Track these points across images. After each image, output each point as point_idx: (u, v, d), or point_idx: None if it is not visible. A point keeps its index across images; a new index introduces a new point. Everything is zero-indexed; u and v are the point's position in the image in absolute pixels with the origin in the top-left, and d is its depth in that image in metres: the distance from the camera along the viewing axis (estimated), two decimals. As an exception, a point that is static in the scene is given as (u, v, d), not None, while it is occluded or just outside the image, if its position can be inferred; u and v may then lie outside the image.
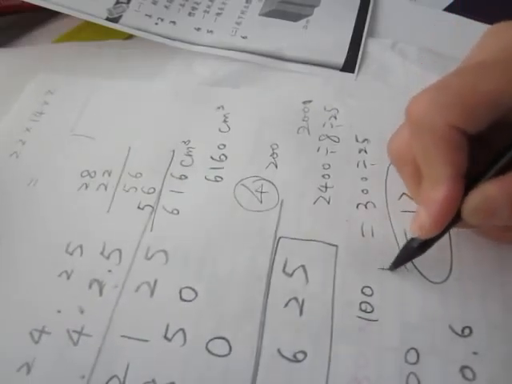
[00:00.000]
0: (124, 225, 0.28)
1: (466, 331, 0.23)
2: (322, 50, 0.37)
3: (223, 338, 0.23)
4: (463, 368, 0.22)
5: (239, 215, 0.28)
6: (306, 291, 0.25)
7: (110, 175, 0.30)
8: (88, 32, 0.41)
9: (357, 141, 0.31)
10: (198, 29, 0.39)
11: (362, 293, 0.25)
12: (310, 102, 0.34)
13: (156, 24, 0.39)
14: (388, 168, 0.29)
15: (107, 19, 0.38)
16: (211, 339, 0.23)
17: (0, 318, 0.25)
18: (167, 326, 0.24)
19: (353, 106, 0.33)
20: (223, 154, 0.31)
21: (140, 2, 0.40)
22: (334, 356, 0.23)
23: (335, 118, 0.33)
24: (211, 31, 0.39)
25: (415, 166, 0.23)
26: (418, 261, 0.25)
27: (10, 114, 0.34)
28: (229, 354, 0.23)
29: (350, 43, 0.38)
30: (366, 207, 0.28)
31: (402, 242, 0.25)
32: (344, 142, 0.31)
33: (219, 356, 0.23)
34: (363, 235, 0.27)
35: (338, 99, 0.34)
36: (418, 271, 0.25)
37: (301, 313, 0.24)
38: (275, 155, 0.30)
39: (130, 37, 0.40)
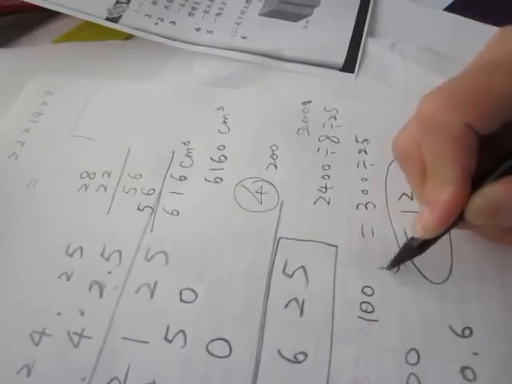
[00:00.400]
0: (124, 226, 0.28)
1: (467, 332, 0.23)
2: (321, 50, 0.37)
3: (223, 339, 0.23)
4: (464, 368, 0.22)
5: (239, 216, 0.28)
6: (306, 292, 0.25)
7: (109, 176, 0.30)
8: (88, 32, 0.41)
9: (357, 141, 0.31)
10: (198, 29, 0.39)
11: (363, 293, 0.25)
12: (310, 102, 0.33)
13: (156, 24, 0.39)
14: (388, 168, 0.29)
15: (107, 19, 0.38)
16: (211, 340, 0.23)
17: (0, 319, 0.25)
18: (167, 328, 0.24)
19: (353, 106, 0.33)
20: (223, 155, 0.31)
21: (140, 2, 0.40)
22: (334, 357, 0.23)
23: (335, 118, 0.33)
24: (211, 31, 0.39)
25: (421, 165, 0.23)
26: (418, 261, 0.25)
27: (9, 114, 0.34)
28: (229, 355, 0.23)
29: (350, 43, 0.38)
30: (365, 208, 0.28)
31: (402, 242, 0.25)
32: (344, 143, 0.31)
33: (219, 357, 0.23)
34: (363, 235, 0.27)
35: (337, 99, 0.34)
36: (419, 271, 0.25)
37: (301, 313, 0.24)
38: (275, 156, 0.30)
39: (129, 37, 0.40)
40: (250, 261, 0.26)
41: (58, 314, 0.24)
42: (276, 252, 0.26)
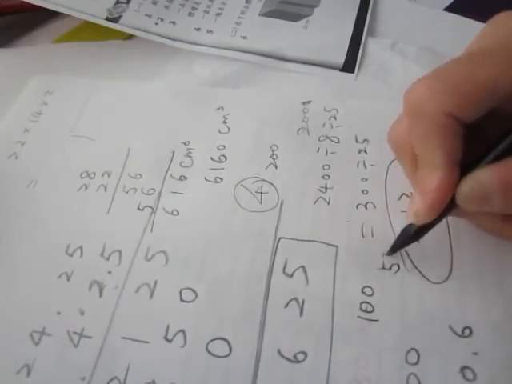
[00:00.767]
0: (124, 226, 0.28)
1: (466, 331, 0.23)
2: (321, 50, 0.37)
3: (223, 339, 0.23)
4: (463, 368, 0.22)
5: (239, 216, 0.28)
6: (306, 292, 0.25)
7: (109, 176, 0.30)
8: (88, 32, 0.41)
9: (357, 141, 0.31)
10: (198, 29, 0.39)
11: (363, 293, 0.25)
12: (310, 102, 0.33)
13: (156, 24, 0.39)
14: (388, 168, 0.29)
15: (107, 19, 0.38)
16: (211, 340, 0.23)
17: (0, 319, 0.24)
18: (167, 327, 0.24)
19: (353, 106, 0.33)
20: (223, 155, 0.31)
21: (140, 2, 0.40)
22: (334, 356, 0.23)
23: (335, 118, 0.33)
24: (211, 31, 0.39)
25: (413, 154, 0.23)
26: (418, 261, 0.25)
27: (9, 114, 0.34)
28: (229, 354, 0.23)
29: (350, 43, 0.38)
30: (365, 208, 0.28)
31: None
32: (344, 143, 0.31)
33: (219, 357, 0.23)
34: (363, 235, 0.27)
35: (337, 99, 0.34)
36: (418, 271, 0.25)
37: (301, 313, 0.24)
38: (275, 156, 0.30)
39: (129, 37, 0.40)
40: (250, 260, 0.26)
41: (58, 313, 0.24)
42: (276, 252, 0.26)
